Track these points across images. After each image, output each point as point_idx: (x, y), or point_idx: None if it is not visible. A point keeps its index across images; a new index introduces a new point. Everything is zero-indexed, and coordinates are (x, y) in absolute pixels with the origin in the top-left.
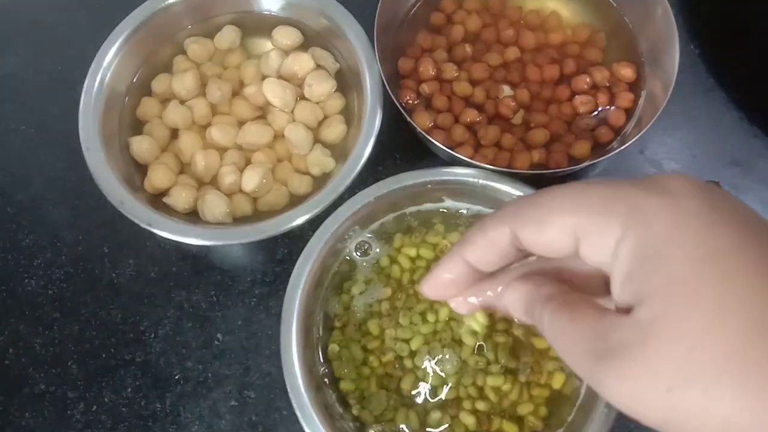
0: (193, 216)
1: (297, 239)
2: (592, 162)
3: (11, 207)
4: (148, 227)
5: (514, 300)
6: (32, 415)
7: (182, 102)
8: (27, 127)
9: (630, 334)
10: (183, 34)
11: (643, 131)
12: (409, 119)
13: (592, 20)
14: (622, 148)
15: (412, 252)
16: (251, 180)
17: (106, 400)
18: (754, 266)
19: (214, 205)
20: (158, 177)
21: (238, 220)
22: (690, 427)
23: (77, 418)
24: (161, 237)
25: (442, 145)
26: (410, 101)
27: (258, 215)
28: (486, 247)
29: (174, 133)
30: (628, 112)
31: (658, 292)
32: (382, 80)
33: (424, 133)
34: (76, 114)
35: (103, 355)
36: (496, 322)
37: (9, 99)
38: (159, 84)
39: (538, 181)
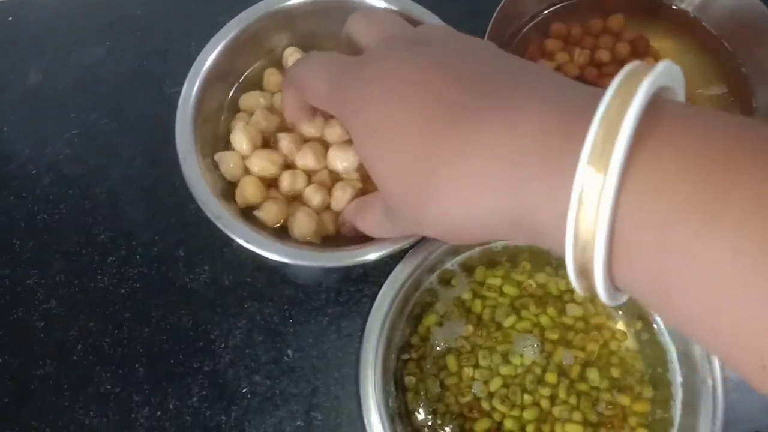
0: (280, 231)
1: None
2: None
3: (88, 200)
4: (246, 244)
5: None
6: (96, 414)
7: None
8: (109, 120)
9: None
10: (280, 46)
11: None
12: None
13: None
14: None
15: (496, 287)
16: (341, 199)
17: (170, 407)
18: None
19: (303, 224)
20: (250, 190)
21: (322, 238)
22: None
23: (141, 423)
24: (238, 245)
25: None
26: None
27: (340, 236)
28: (292, 97)
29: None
30: None
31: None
32: None
33: None
34: (157, 111)
35: (171, 361)
36: (583, 370)
37: (93, 90)
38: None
39: None
